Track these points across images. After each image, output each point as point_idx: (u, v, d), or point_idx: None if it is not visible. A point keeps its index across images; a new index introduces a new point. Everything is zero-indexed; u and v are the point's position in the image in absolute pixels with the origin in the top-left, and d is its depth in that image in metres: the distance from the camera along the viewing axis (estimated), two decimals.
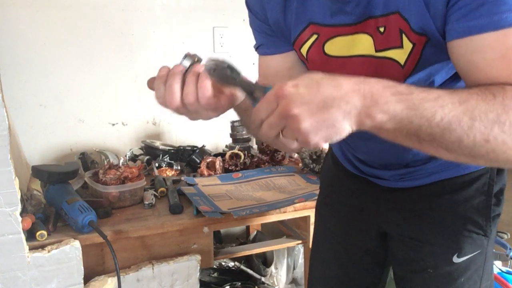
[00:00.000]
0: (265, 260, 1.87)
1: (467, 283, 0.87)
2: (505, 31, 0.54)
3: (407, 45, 0.66)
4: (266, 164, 1.69)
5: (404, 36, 0.65)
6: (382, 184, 0.92)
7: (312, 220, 1.22)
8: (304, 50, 0.78)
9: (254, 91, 0.57)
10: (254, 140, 1.91)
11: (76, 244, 1.10)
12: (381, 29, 0.67)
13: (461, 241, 0.85)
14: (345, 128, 0.53)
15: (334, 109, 0.51)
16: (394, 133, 0.54)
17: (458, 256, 0.86)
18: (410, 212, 0.91)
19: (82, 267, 1.11)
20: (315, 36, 0.75)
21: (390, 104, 0.51)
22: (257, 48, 0.89)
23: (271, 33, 0.84)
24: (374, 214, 0.96)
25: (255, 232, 1.93)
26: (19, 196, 1.01)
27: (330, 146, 1.08)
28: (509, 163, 0.54)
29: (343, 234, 1.02)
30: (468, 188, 0.85)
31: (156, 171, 1.59)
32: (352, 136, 0.92)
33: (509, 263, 1.44)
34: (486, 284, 0.90)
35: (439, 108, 0.51)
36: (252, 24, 0.89)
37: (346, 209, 1.01)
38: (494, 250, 1.42)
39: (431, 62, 0.68)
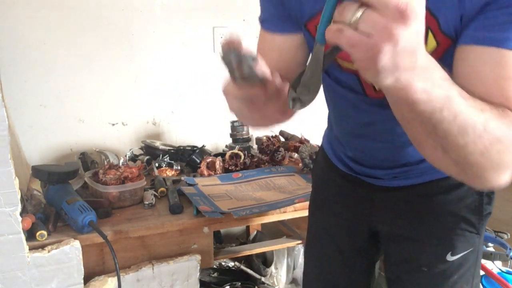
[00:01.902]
0: (265, 260, 1.87)
1: (460, 280, 0.89)
2: None
3: (431, 43, 0.65)
4: (266, 164, 1.69)
5: (430, 34, 0.64)
6: (375, 183, 0.92)
7: None
8: None
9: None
10: (254, 140, 1.91)
11: (76, 244, 1.10)
12: None
13: (455, 239, 0.87)
14: (392, 78, 0.46)
15: (411, 65, 0.45)
16: (416, 116, 0.51)
17: (452, 255, 0.87)
18: (403, 212, 0.91)
19: (82, 267, 1.11)
20: (327, 65, 0.73)
21: (435, 85, 0.49)
22: (262, 21, 0.82)
23: (281, 8, 0.77)
24: (367, 214, 0.96)
25: (255, 232, 1.93)
26: (19, 196, 1.01)
27: (322, 144, 1.08)
28: (483, 181, 0.56)
29: (336, 233, 1.02)
30: (460, 187, 0.85)
31: (156, 171, 1.59)
32: (345, 133, 0.93)
33: (509, 263, 1.44)
34: (476, 281, 0.92)
35: (466, 108, 0.51)
36: (269, 15, 0.81)
37: (339, 208, 1.01)
38: (494, 250, 1.43)
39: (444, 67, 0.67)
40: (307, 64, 0.50)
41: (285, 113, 0.64)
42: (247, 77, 0.51)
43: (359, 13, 0.42)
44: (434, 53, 0.65)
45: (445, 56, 0.65)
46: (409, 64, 0.45)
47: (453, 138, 0.52)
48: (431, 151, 0.56)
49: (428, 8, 0.61)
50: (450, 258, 0.87)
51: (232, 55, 0.50)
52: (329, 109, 0.99)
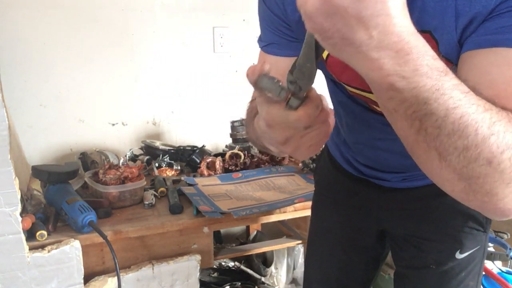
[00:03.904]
0: (265, 260, 1.87)
1: (467, 277, 0.91)
2: None
3: None
4: (266, 164, 1.69)
5: None
6: (383, 184, 0.93)
7: None
8: (325, 53, 0.74)
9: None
10: None
11: (76, 244, 1.10)
12: None
13: (463, 237, 0.88)
14: (352, 57, 0.44)
15: (362, 31, 0.41)
16: (397, 106, 0.46)
17: (461, 252, 0.89)
18: (411, 211, 0.92)
19: (82, 267, 1.11)
20: (323, 51, 0.72)
21: (417, 72, 0.43)
22: (265, 45, 0.80)
23: (285, 31, 0.76)
24: (374, 213, 0.96)
25: (255, 232, 1.93)
26: (19, 196, 1.01)
27: (327, 145, 1.08)
28: (495, 201, 0.47)
29: (341, 232, 1.03)
30: None
31: (156, 171, 1.59)
32: (357, 143, 0.93)
33: (509, 263, 1.44)
34: (481, 278, 0.95)
35: (465, 104, 0.44)
36: (263, 19, 0.79)
37: (344, 207, 1.02)
38: (494, 250, 1.43)
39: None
40: (302, 49, 0.50)
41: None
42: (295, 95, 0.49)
43: None
44: None
45: None
46: (363, 37, 0.41)
47: (447, 138, 0.45)
48: (425, 157, 0.48)
49: (430, 32, 0.59)
50: (459, 256, 0.89)
51: (264, 80, 0.49)
52: (337, 117, 0.99)
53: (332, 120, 0.51)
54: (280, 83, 0.49)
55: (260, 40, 0.82)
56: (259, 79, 0.49)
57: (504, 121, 0.45)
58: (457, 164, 0.46)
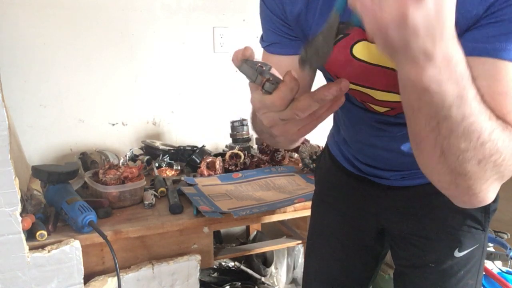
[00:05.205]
0: (265, 260, 1.88)
1: (466, 276, 0.91)
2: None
3: None
4: (266, 164, 1.69)
5: None
6: (382, 183, 0.93)
7: None
8: None
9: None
10: (254, 140, 1.91)
11: (76, 244, 1.10)
12: None
13: (462, 236, 0.89)
14: (399, 60, 0.46)
15: (420, 40, 0.43)
16: (423, 106, 0.49)
17: (459, 251, 0.89)
18: (411, 209, 0.92)
19: (82, 267, 1.11)
20: (339, 35, 0.72)
21: (451, 81, 0.46)
22: (267, 45, 0.81)
23: (286, 31, 0.77)
24: (374, 212, 0.97)
25: (255, 232, 1.93)
26: (19, 196, 1.01)
27: (327, 144, 1.09)
28: (471, 194, 0.54)
29: (341, 231, 1.03)
30: None
31: (156, 171, 1.59)
32: (356, 142, 0.94)
33: (509, 263, 1.44)
34: (480, 276, 0.94)
35: (477, 112, 0.48)
36: (264, 19, 0.80)
37: (345, 206, 1.02)
38: (494, 250, 1.43)
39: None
40: (322, 29, 0.51)
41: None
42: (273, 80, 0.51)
43: None
44: None
45: None
46: (423, 47, 0.43)
47: (455, 139, 0.49)
48: (428, 151, 0.53)
49: None
50: (457, 254, 0.89)
51: (244, 66, 0.51)
52: (337, 116, 0.99)
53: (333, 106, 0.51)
54: (260, 68, 0.50)
55: (262, 40, 0.82)
56: (240, 64, 0.51)
57: (499, 129, 0.50)
58: (454, 162, 0.51)
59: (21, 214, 1.03)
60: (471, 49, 0.54)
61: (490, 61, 0.54)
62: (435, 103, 0.47)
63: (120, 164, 1.52)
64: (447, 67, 0.45)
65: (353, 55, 0.71)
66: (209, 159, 1.62)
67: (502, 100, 0.53)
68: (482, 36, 0.54)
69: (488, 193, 0.54)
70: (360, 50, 0.70)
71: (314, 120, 0.52)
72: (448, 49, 0.44)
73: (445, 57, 0.44)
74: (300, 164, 1.68)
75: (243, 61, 0.51)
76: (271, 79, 0.50)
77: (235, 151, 1.69)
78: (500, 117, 0.51)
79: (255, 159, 1.68)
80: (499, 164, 0.50)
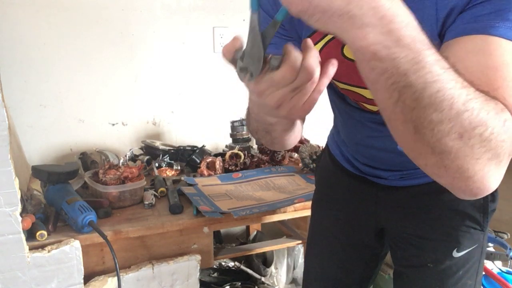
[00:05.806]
0: (265, 260, 1.88)
1: (465, 276, 0.91)
2: (495, 40, 0.52)
3: None
4: (266, 164, 1.69)
5: None
6: (381, 182, 0.94)
7: None
8: (317, 48, 0.77)
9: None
10: (254, 140, 1.91)
11: (76, 244, 1.10)
12: None
13: (460, 236, 0.89)
14: (338, 29, 0.45)
15: None
16: (378, 77, 0.46)
17: (458, 251, 0.89)
18: (409, 209, 0.92)
19: (82, 267, 1.11)
20: (329, 36, 0.73)
21: (400, 43, 0.44)
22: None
23: (281, 32, 0.78)
24: (372, 211, 0.97)
25: (255, 232, 1.93)
26: (19, 196, 1.01)
27: (328, 145, 1.09)
28: (465, 176, 0.48)
29: (341, 230, 1.04)
30: None
31: (156, 171, 1.59)
32: (353, 142, 0.94)
33: (509, 263, 1.44)
34: (480, 277, 0.94)
35: (444, 79, 0.45)
36: (261, 22, 0.84)
37: (344, 206, 1.02)
38: (494, 250, 1.43)
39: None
40: (247, 35, 0.51)
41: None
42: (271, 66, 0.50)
43: None
44: None
45: None
46: (343, 5, 0.42)
47: (423, 110, 0.45)
48: (402, 130, 0.49)
49: None
50: (456, 254, 0.89)
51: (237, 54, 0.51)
52: (334, 117, 1.00)
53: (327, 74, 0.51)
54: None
55: None
56: (234, 56, 0.51)
57: (480, 99, 0.46)
58: (431, 138, 0.47)
59: (21, 214, 1.03)
60: (461, 30, 0.55)
61: (479, 37, 0.53)
62: (389, 71, 0.45)
63: (120, 164, 1.52)
64: (391, 29, 0.43)
65: (344, 55, 0.72)
66: (209, 159, 1.62)
67: (491, 75, 0.51)
68: (471, 16, 0.55)
69: (486, 176, 0.48)
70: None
71: (315, 92, 0.51)
72: (382, 6, 0.43)
73: (383, 16, 0.43)
74: (300, 164, 1.68)
75: (236, 53, 0.51)
76: (272, 55, 0.50)
77: (235, 151, 1.69)
78: (489, 92, 0.48)
79: (255, 159, 1.68)
80: (487, 138, 0.45)
